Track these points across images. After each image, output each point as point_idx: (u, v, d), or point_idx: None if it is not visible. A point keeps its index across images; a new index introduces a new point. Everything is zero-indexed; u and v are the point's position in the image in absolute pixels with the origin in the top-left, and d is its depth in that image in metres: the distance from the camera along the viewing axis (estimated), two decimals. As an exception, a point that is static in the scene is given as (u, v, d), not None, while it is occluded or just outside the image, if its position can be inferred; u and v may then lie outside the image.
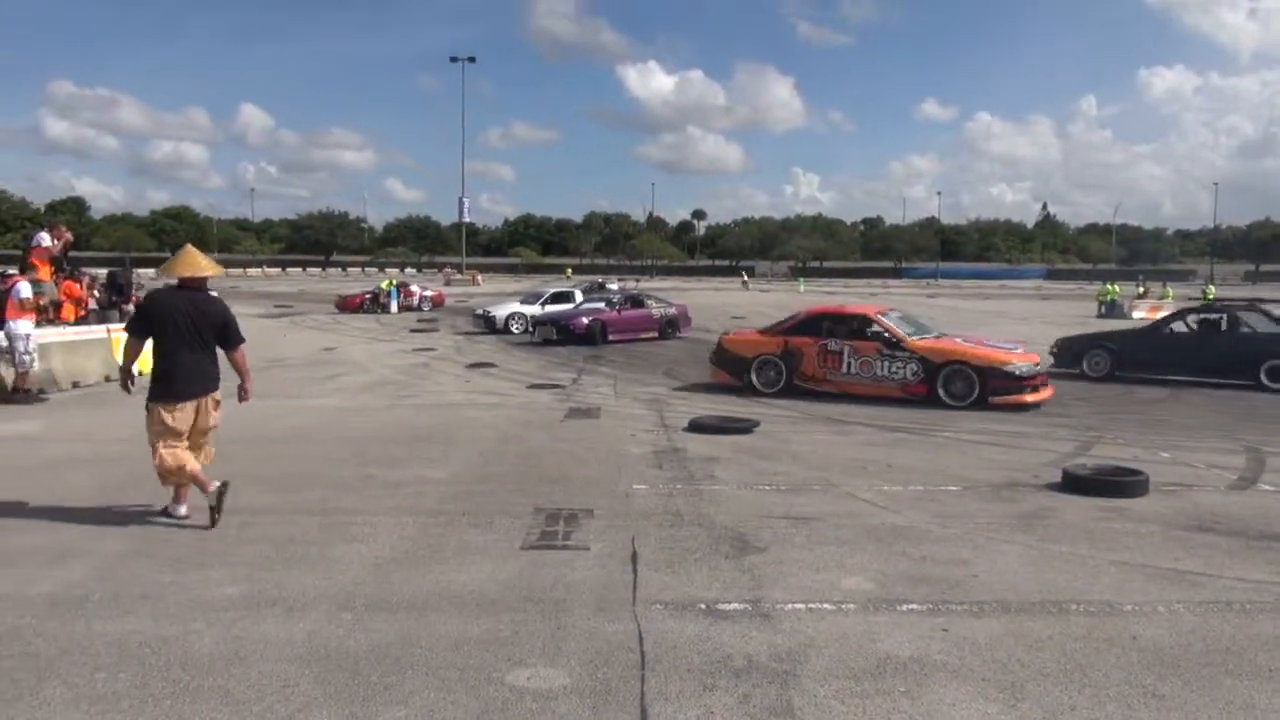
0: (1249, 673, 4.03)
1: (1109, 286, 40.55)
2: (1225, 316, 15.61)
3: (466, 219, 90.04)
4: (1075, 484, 7.34)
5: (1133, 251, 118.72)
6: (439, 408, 11.97)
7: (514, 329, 24.40)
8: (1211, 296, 40.18)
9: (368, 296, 34.92)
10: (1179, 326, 16.05)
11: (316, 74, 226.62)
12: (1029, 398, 11.99)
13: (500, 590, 4.99)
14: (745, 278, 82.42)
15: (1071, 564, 5.55)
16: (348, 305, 34.25)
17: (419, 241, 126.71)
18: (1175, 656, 4.19)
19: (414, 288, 38.50)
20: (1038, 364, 12.54)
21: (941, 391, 12.16)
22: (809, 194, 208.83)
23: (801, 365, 13.16)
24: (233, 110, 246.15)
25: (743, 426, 10.08)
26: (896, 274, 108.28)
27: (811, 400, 12.58)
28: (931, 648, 4.25)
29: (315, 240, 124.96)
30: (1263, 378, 14.25)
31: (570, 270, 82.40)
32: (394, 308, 34.17)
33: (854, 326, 13.17)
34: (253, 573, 5.26)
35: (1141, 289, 48.31)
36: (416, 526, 6.24)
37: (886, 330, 12.83)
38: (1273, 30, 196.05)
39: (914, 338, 12.85)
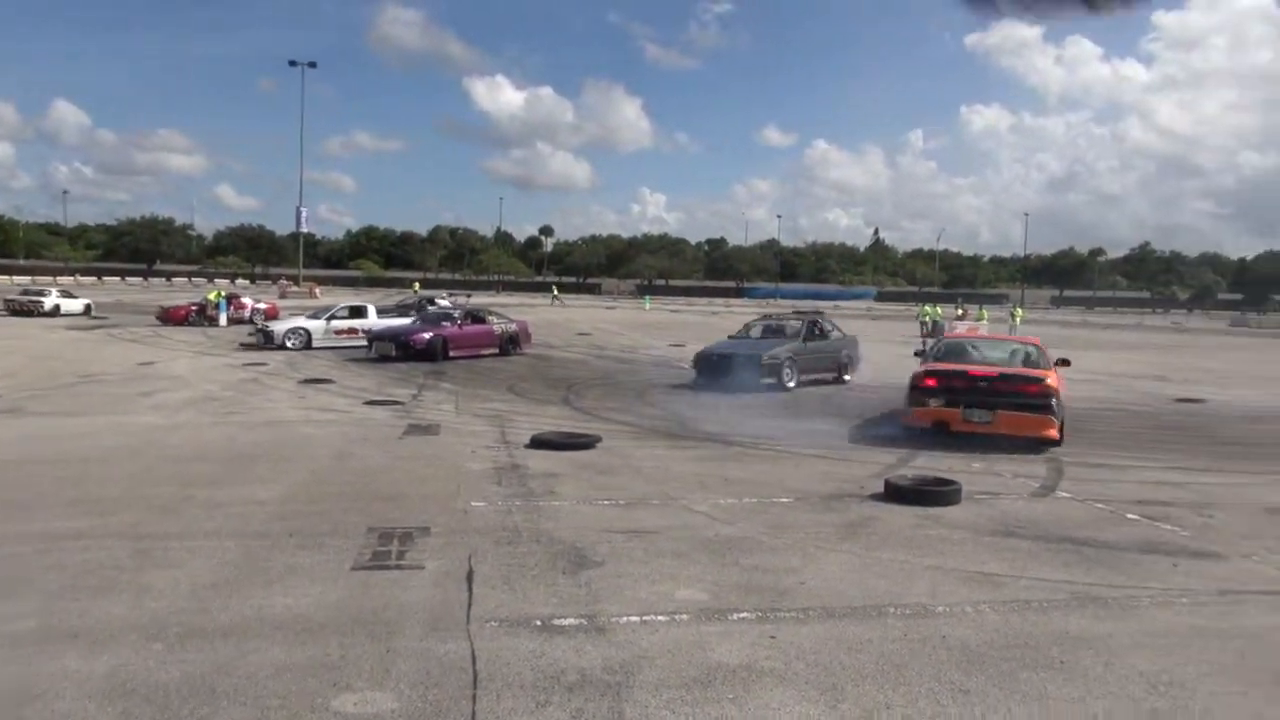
0: (1043, 665, 4.35)
1: (928, 308, 43.02)
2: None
3: (305, 229, 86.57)
4: (897, 494, 7.75)
5: (954, 276, 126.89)
6: (269, 425, 11.44)
7: (289, 344, 22.90)
8: (1019, 318, 43.27)
9: (194, 308, 32.98)
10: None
11: (140, 70, 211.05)
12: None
13: (328, 613, 4.81)
14: (555, 293, 79.11)
15: (891, 570, 5.85)
16: (171, 317, 32.19)
17: (252, 252, 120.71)
18: (980, 653, 4.48)
19: (246, 300, 36.68)
20: None
21: None
22: (656, 213, 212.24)
23: None
24: (43, 105, 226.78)
25: (584, 442, 10.12)
26: (738, 293, 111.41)
27: (658, 417, 12.76)
28: (759, 654, 4.38)
29: (136, 248, 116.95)
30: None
31: (418, 284, 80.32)
32: (223, 320, 32.42)
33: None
34: (51, 603, 4.87)
35: (960, 311, 51.50)
36: (240, 550, 5.94)
37: None
38: (1076, 76, 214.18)
39: None
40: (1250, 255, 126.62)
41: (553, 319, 43.48)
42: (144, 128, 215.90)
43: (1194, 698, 4.04)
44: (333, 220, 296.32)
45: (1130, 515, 7.51)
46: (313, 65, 74.55)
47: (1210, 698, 4.04)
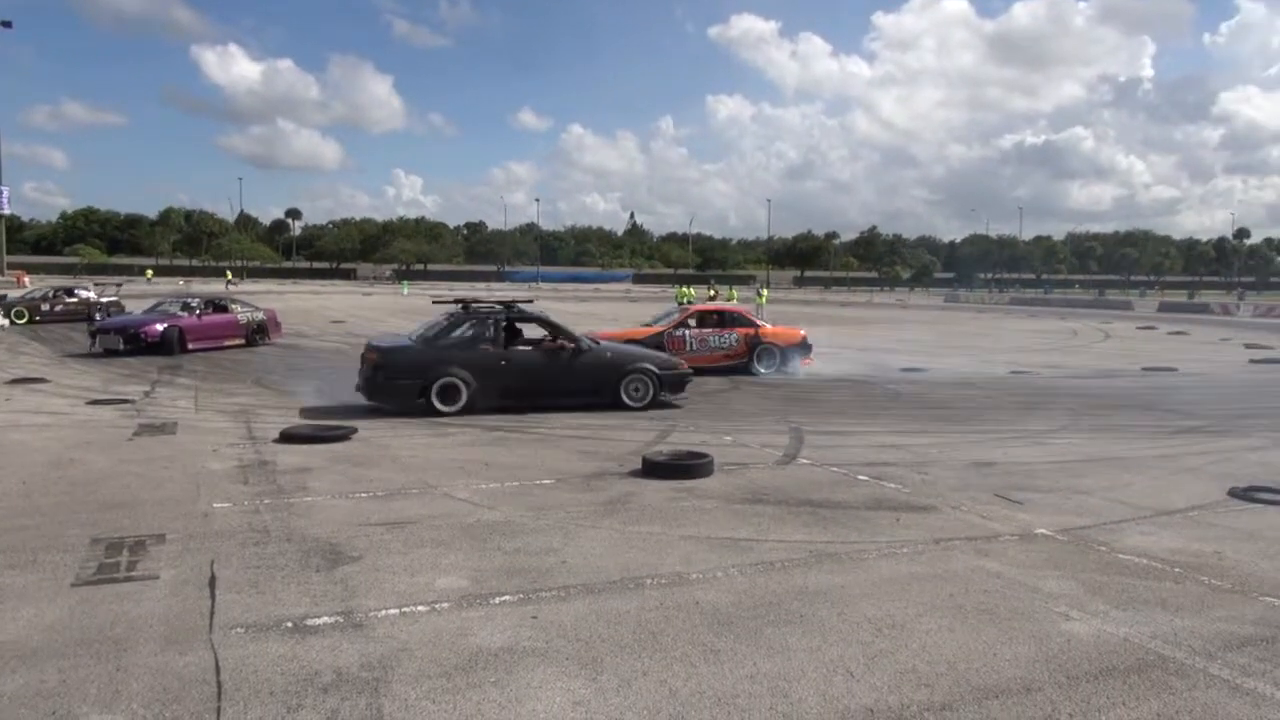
0: (785, 620, 4.68)
1: (684, 290, 44.81)
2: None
3: (6, 210, 76.72)
4: (653, 469, 8.04)
5: (706, 259, 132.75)
6: (-33, 432, 10.12)
7: None
8: (765, 298, 45.94)
9: None
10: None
11: None
12: None
13: (45, 636, 4.34)
14: (229, 277, 73.37)
15: (649, 542, 6.07)
16: None
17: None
18: (730, 615, 4.75)
19: (-66, 291, 32.12)
20: None
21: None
22: (412, 196, 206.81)
23: None
24: None
25: (339, 434, 9.72)
26: (500, 277, 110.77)
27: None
28: (521, 635, 4.42)
29: None
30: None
31: (151, 271, 73.12)
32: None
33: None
34: None
35: (712, 292, 54.02)
36: (-69, 574, 5.23)
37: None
38: (809, 70, 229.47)
39: None
40: (958, 238, 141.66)
41: (304, 307, 41.32)
42: None
43: (912, 636, 4.50)
44: (42, 201, 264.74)
45: (861, 476, 8.21)
46: (7, 25, 66.26)
47: (925, 635, 4.51)
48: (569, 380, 12.24)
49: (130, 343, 18.69)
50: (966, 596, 5.08)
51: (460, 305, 12.92)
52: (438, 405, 11.45)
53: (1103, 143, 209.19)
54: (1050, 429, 11.28)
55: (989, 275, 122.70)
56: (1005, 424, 11.69)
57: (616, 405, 12.20)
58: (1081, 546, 6.12)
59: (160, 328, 19.02)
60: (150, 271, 71.94)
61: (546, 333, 12.64)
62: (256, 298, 30.89)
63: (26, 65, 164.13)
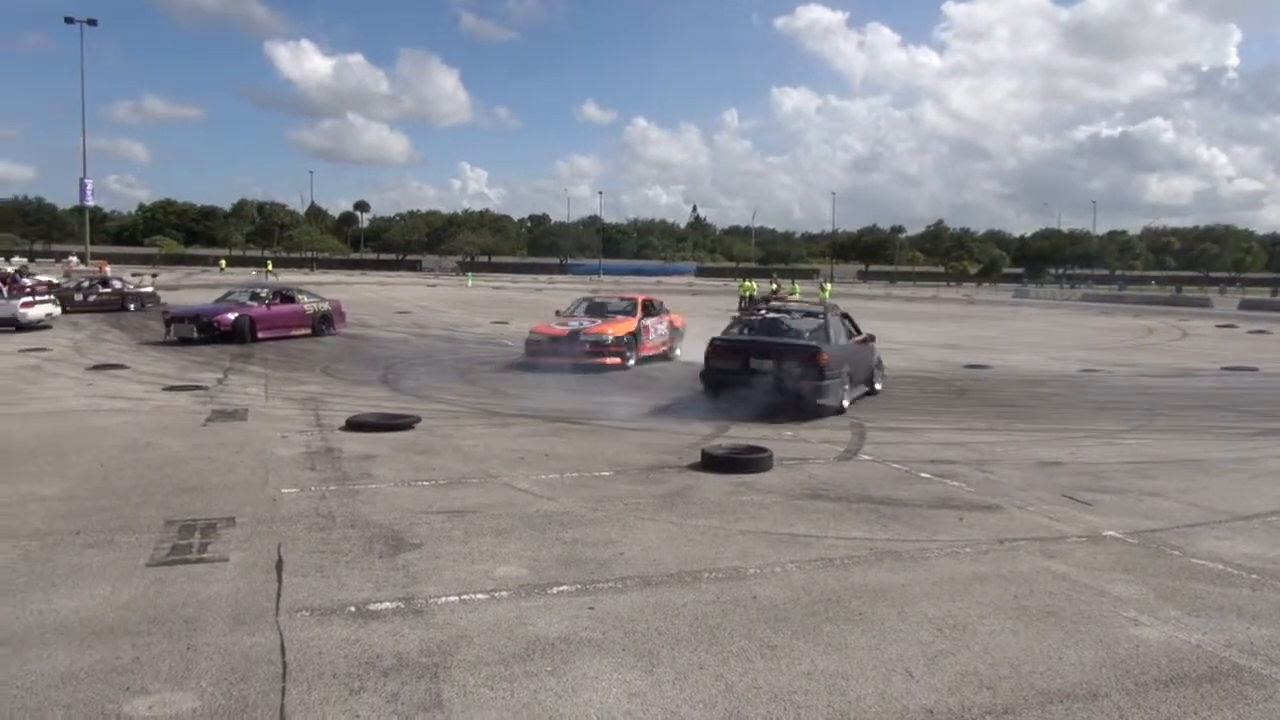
0: (844, 618, 4.63)
1: (746, 283, 44.53)
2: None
3: (90, 202, 79.25)
4: (712, 463, 8.02)
5: (769, 252, 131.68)
6: (51, 416, 10.53)
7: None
8: (828, 292, 45.41)
9: (-40, 290, 29.76)
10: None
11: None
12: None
13: (120, 613, 4.50)
14: (269, 267, 73.83)
15: (706, 536, 6.05)
16: (-68, 300, 28.94)
17: (30, 228, 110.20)
18: (787, 610, 4.72)
19: (25, 280, 33.45)
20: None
21: None
22: (477, 189, 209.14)
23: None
24: None
25: (403, 423, 9.88)
26: (562, 270, 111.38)
27: (465, 387, 12.62)
28: (578, 626, 4.45)
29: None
30: None
31: (224, 262, 74.82)
32: (-3, 303, 29.42)
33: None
34: None
35: (774, 286, 53.51)
36: (17, 552, 5.46)
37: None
38: (876, 61, 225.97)
39: None
40: (1029, 232, 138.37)
41: (371, 297, 42.06)
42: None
43: (974, 637, 4.41)
44: (124, 193, 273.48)
45: (923, 474, 8.08)
46: (92, 23, 68.27)
47: (988, 636, 4.43)
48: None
49: (204, 331, 19.17)
50: (1031, 598, 4.97)
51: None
52: None
53: (1183, 134, 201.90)
54: (1122, 429, 10.96)
55: (1060, 271, 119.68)
56: (1074, 423, 11.40)
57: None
58: (1153, 550, 5.94)
59: (232, 317, 19.50)
60: (224, 262, 73.68)
61: None
62: (324, 288, 31.54)
63: (110, 62, 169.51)
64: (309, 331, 21.40)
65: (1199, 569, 5.57)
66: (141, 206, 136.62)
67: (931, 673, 4.00)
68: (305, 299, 22.29)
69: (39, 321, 22.16)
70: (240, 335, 19.26)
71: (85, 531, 5.86)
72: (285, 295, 22.09)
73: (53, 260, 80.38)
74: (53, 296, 24.64)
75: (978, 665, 4.08)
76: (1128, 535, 6.26)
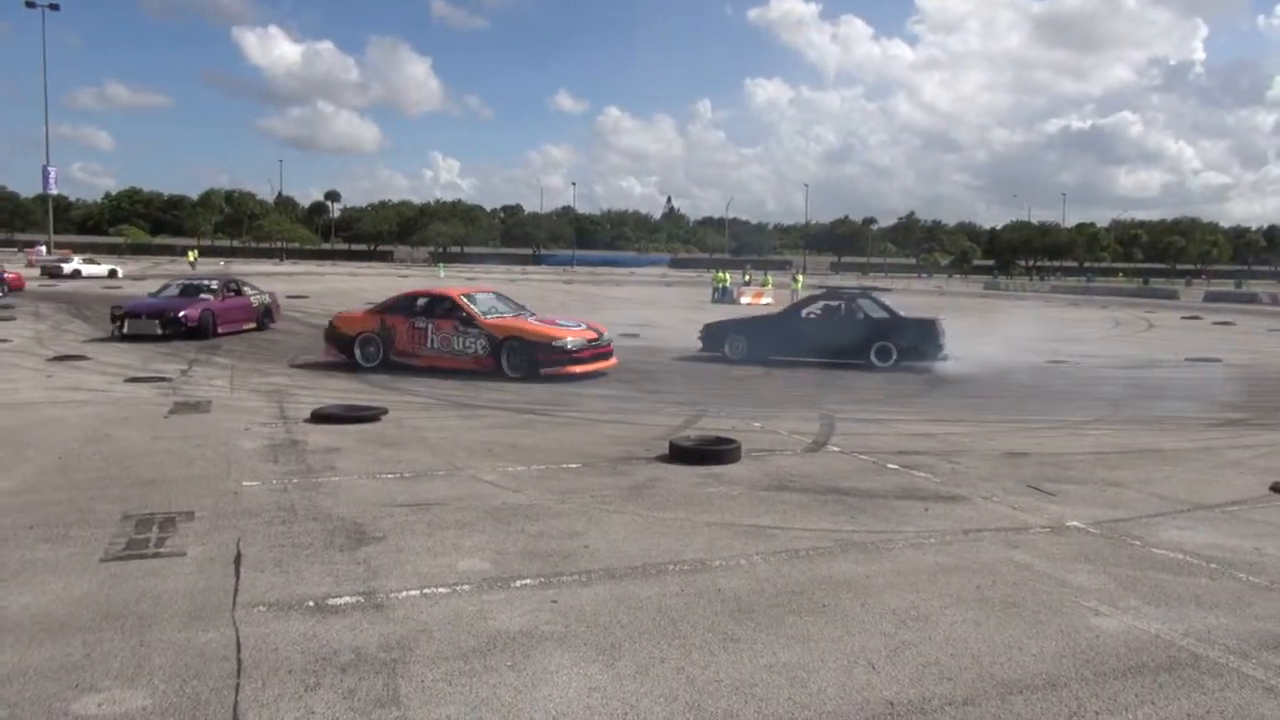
0: (808, 609, 4.63)
1: (720, 274, 44.59)
2: (844, 304, 17.16)
3: (53, 190, 78.01)
4: (680, 454, 7.99)
5: (742, 243, 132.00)
6: (8, 408, 10.33)
7: None
8: (800, 284, 45.51)
9: (-83, 280, 29.19)
10: (806, 313, 17.42)
11: None
12: (576, 369, 13.34)
13: (71, 610, 4.41)
14: (191, 257, 68.37)
15: (672, 528, 6.03)
16: (-111, 290, 28.41)
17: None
18: (751, 603, 4.70)
19: (-12, 270, 32.83)
20: (593, 339, 13.85)
21: (505, 364, 13.34)
22: (449, 179, 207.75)
23: (395, 341, 14.15)
24: None
25: (369, 414, 9.78)
26: (536, 260, 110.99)
27: (434, 379, 12.54)
28: (540, 619, 4.41)
29: None
30: (872, 357, 16.09)
31: (195, 252, 73.64)
32: (-45, 293, 28.91)
33: (439, 306, 14.23)
34: None
35: (747, 277, 53.72)
36: (-34, 547, 5.33)
37: (464, 309, 13.87)
38: (850, 53, 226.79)
39: (488, 316, 13.90)
40: (1000, 224, 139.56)
41: (341, 288, 41.66)
42: None
43: (937, 628, 4.42)
44: (88, 181, 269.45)
45: (890, 465, 8.11)
46: (55, 8, 67.23)
47: (950, 627, 4.44)
48: None
49: (168, 327, 18.18)
50: (994, 589, 4.99)
51: None
52: None
53: (1151, 127, 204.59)
54: (1087, 420, 11.07)
55: (1030, 263, 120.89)
56: (1040, 414, 11.50)
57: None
58: (1114, 540, 5.99)
59: (197, 312, 18.64)
60: (194, 253, 72.55)
61: None
62: (296, 280, 31.19)
63: (73, 47, 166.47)
64: (255, 326, 20.68)
65: (1160, 559, 5.62)
66: (107, 195, 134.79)
67: (893, 664, 4.00)
68: (250, 291, 21.52)
69: None
70: (204, 331, 18.55)
71: (39, 526, 5.74)
72: (235, 288, 21.16)
73: (15, 249, 78.98)
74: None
75: (939, 656, 4.09)
76: (1090, 525, 6.31)
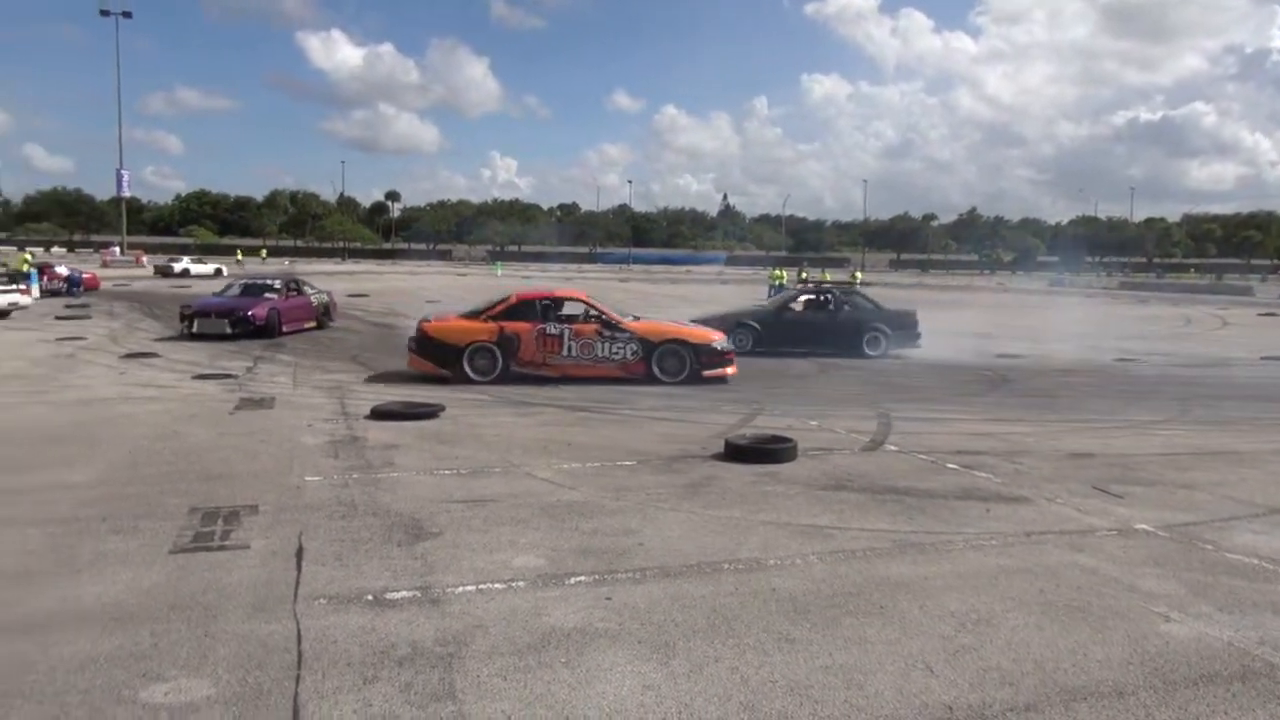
0: (864, 611, 4.56)
1: (777, 272, 44.28)
2: (832, 298, 18.70)
3: (127, 193, 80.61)
4: (736, 453, 7.95)
5: (799, 240, 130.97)
6: (83, 404, 10.68)
7: None
8: (858, 280, 45.00)
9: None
10: (797, 307, 18.71)
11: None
12: (729, 370, 13.28)
13: (141, 600, 4.54)
14: (239, 257, 69.78)
15: (728, 527, 5.99)
16: (-27, 289, 29.53)
17: (69, 218, 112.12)
18: (807, 603, 4.65)
19: (61, 269, 34.01)
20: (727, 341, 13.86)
21: (657, 369, 12.99)
22: (507, 178, 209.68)
23: (520, 351, 13.01)
24: None
25: (427, 411, 9.91)
26: (591, 259, 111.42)
27: (515, 384, 12.63)
28: (594, 617, 4.41)
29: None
30: (864, 348, 17.51)
31: (265, 252, 75.22)
32: (35, 292, 29.96)
33: (573, 310, 13.67)
34: None
35: (804, 275, 53.25)
36: (43, 537, 5.52)
37: (605, 314, 13.37)
38: (910, 47, 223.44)
39: (628, 320, 13.60)
40: (1065, 219, 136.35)
41: (401, 286, 42.30)
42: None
43: (998, 632, 4.33)
44: (159, 184, 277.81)
45: (950, 465, 7.96)
46: (128, 15, 69.40)
47: (1012, 631, 4.34)
48: None
49: (236, 326, 18.45)
50: (1058, 593, 4.87)
51: None
52: None
53: (1226, 118, 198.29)
54: (1157, 419, 10.75)
55: (1096, 258, 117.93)
56: (1107, 413, 11.20)
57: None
58: (1185, 544, 5.81)
59: (265, 311, 18.98)
60: (264, 252, 74.20)
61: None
62: (357, 278, 31.73)
63: (144, 54, 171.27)
64: (315, 325, 21.01)
65: (1233, 564, 5.43)
66: (177, 197, 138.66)
67: (952, 668, 3.92)
68: (310, 291, 21.88)
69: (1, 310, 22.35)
70: (271, 329, 18.85)
71: (111, 518, 5.92)
72: (296, 287, 21.47)
73: (91, 250, 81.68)
74: (21, 287, 24.54)
75: (1000, 661, 4.00)
76: (1159, 529, 6.12)
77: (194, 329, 18.57)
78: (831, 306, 18.37)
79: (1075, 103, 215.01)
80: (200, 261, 54.66)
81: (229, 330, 18.40)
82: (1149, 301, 48.43)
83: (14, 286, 23.92)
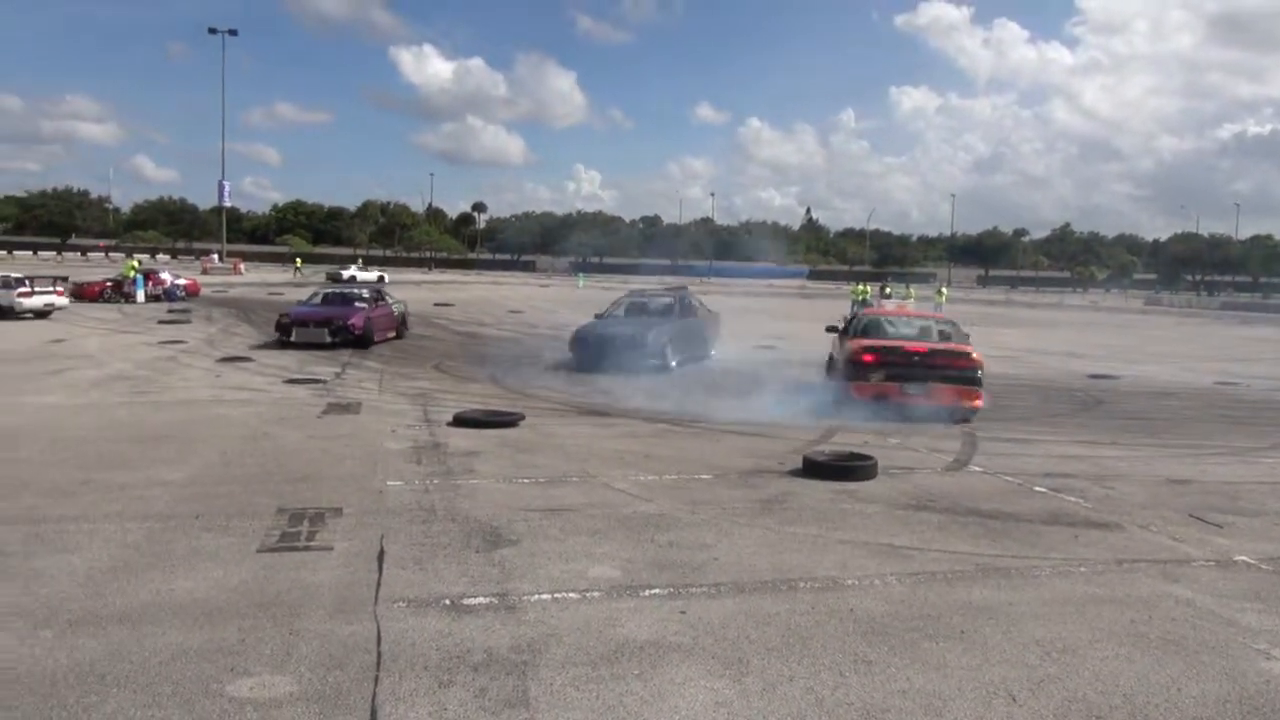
0: (944, 635, 4.45)
1: (860, 287, 43.73)
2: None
3: (227, 203, 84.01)
4: (814, 469, 7.85)
5: (884, 255, 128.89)
6: (182, 405, 11.12)
7: None
8: (945, 297, 44.15)
9: (109, 284, 31.85)
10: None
11: (44, 33, 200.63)
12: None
13: (230, 596, 4.69)
14: (298, 264, 69.18)
15: (804, 544, 5.92)
16: (85, 293, 31.04)
17: (173, 226, 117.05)
18: (885, 625, 4.56)
19: (164, 275, 35.48)
20: None
21: None
22: (591, 191, 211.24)
23: None
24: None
25: (508, 420, 10.04)
26: (673, 271, 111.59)
27: (595, 396, 12.72)
28: (668, 630, 4.40)
29: (49, 221, 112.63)
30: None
31: (361, 260, 77.69)
32: (140, 297, 31.35)
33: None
34: (-66, 592, 4.66)
35: (888, 290, 52.46)
36: (142, 532, 5.76)
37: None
38: (1003, 58, 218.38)
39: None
40: (1164, 236, 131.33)
41: (485, 296, 43.03)
42: (51, 94, 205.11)
43: (1085, 663, 4.17)
44: (257, 194, 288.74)
45: (1037, 488, 7.73)
46: (233, 33, 72.31)
47: (1100, 662, 4.18)
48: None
49: (336, 335, 18.31)
50: (1150, 624, 4.67)
51: None
52: None
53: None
54: (1259, 446, 10.26)
55: (1197, 277, 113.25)
56: (1206, 438, 10.73)
57: None
58: (1290, 578, 5.51)
59: (361, 321, 18.77)
60: (360, 260, 77.03)
61: None
62: (442, 288, 32.38)
63: (244, 69, 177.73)
64: (395, 335, 20.95)
65: (1342, 601, 5.13)
66: (274, 207, 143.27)
67: (1036, 697, 3.79)
68: (390, 300, 21.87)
69: (37, 311, 23.13)
70: (368, 338, 18.70)
71: (204, 516, 6.15)
72: (380, 296, 21.45)
73: (193, 257, 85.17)
74: (59, 289, 25.07)
75: (1087, 692, 3.86)
76: (1262, 561, 5.83)
77: (292, 338, 18.52)
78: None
79: (1178, 115, 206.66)
80: (364, 269, 62.95)
81: (328, 339, 18.37)
82: (1253, 323, 46.28)
83: (52, 288, 24.45)
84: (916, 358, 11.56)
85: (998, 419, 11.72)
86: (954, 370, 11.39)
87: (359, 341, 18.49)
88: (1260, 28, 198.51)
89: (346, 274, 56.86)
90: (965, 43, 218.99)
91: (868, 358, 11.62)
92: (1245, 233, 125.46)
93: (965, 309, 42.54)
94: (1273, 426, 11.84)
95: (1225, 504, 7.34)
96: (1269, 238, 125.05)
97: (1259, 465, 9.19)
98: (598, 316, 18.00)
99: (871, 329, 12.92)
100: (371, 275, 57.96)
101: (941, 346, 12.05)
